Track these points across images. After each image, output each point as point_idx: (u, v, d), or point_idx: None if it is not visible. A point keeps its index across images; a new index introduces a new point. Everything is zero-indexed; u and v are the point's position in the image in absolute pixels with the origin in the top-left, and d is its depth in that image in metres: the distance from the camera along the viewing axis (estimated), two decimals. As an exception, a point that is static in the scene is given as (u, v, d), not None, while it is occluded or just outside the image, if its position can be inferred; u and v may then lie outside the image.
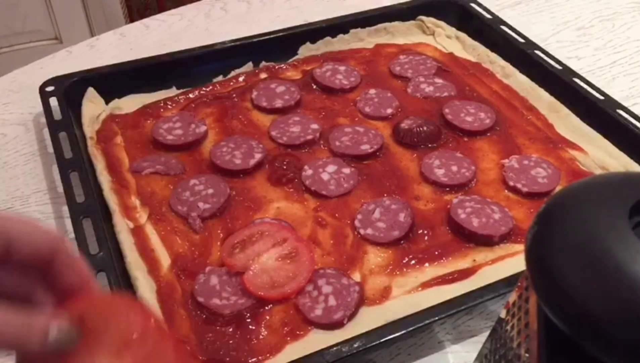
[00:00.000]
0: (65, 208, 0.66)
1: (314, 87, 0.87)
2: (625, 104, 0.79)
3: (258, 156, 0.74)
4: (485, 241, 0.65)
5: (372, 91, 0.86)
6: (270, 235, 0.64)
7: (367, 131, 0.78)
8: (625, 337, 0.29)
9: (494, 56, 0.92)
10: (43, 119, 0.78)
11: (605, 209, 0.32)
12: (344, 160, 0.74)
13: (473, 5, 0.99)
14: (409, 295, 0.60)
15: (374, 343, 0.54)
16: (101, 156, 0.74)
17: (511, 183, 0.71)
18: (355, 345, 0.53)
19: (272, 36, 0.92)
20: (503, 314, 0.42)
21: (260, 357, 0.55)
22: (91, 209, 0.65)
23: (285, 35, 0.92)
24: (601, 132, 0.77)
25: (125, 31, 1.04)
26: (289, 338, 0.56)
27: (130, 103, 0.83)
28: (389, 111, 0.83)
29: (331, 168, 0.73)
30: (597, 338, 0.30)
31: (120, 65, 0.86)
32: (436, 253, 0.64)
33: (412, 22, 0.99)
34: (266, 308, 0.59)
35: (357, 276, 0.62)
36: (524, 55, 0.89)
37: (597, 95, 0.80)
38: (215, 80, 0.88)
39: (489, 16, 0.97)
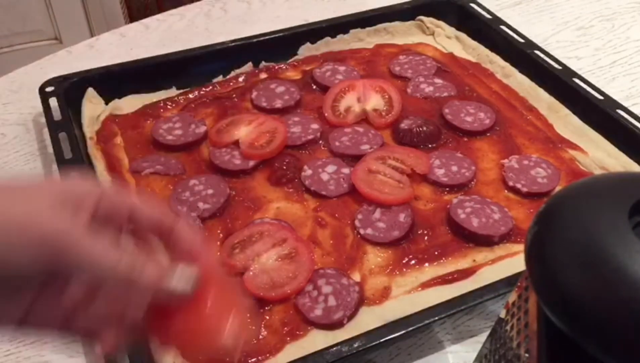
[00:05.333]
0: (65, 208, 0.66)
1: (314, 87, 0.87)
2: (625, 104, 0.79)
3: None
4: (485, 241, 0.65)
5: (372, 91, 0.86)
6: (270, 235, 0.64)
7: (367, 131, 0.78)
8: (625, 337, 0.29)
9: (493, 56, 0.92)
10: (43, 119, 0.78)
11: (605, 209, 0.32)
12: (343, 160, 0.74)
13: (473, 5, 0.99)
14: (409, 295, 0.60)
15: (374, 343, 0.54)
16: (101, 156, 0.74)
17: (511, 183, 0.71)
18: (355, 345, 0.53)
19: (272, 36, 0.92)
20: (503, 314, 0.42)
21: (260, 357, 0.55)
22: (91, 210, 0.65)
23: (285, 35, 0.92)
24: (601, 132, 0.77)
25: (125, 31, 1.04)
26: (288, 338, 0.56)
27: (130, 103, 0.83)
28: (389, 111, 0.83)
29: (331, 168, 0.73)
30: (597, 338, 0.30)
31: (120, 65, 0.86)
32: (436, 253, 0.64)
33: (412, 22, 0.99)
34: (266, 308, 0.59)
35: (357, 276, 0.62)
36: (523, 55, 0.89)
37: (597, 95, 0.80)
38: (215, 80, 0.88)
39: (488, 16, 0.97)
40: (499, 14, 0.97)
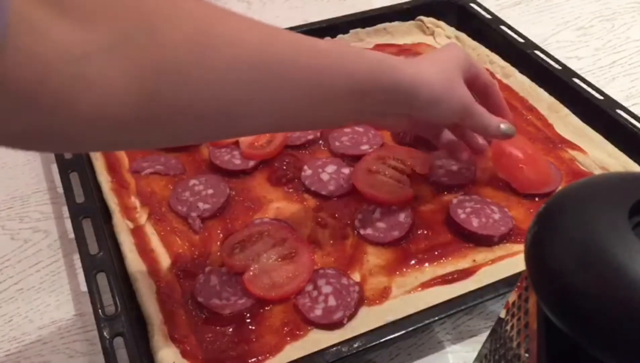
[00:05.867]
0: (65, 208, 0.66)
1: (314, 87, 0.87)
2: (625, 104, 0.79)
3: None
4: (485, 241, 0.65)
5: (372, 91, 0.86)
6: (270, 235, 0.64)
7: (367, 131, 0.78)
8: (626, 337, 0.29)
9: (493, 56, 0.92)
10: (43, 119, 0.78)
11: (605, 209, 0.32)
12: (343, 160, 0.75)
13: (473, 5, 0.99)
14: (409, 295, 0.60)
15: (374, 343, 0.54)
16: (101, 156, 0.74)
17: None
18: (355, 345, 0.53)
19: (272, 36, 0.92)
20: (503, 314, 0.42)
21: (260, 357, 0.55)
22: (91, 210, 0.65)
23: (285, 36, 0.92)
24: (601, 132, 0.77)
25: (125, 31, 1.04)
26: (288, 338, 0.56)
27: (130, 103, 0.83)
28: (389, 111, 0.83)
29: (331, 168, 0.73)
30: (597, 338, 0.30)
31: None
32: (436, 253, 0.64)
33: (411, 22, 0.99)
34: (266, 308, 0.59)
35: (357, 276, 0.62)
36: (523, 55, 0.89)
37: (597, 95, 0.80)
38: (215, 80, 0.88)
39: (488, 16, 0.97)
40: (499, 14, 0.97)
